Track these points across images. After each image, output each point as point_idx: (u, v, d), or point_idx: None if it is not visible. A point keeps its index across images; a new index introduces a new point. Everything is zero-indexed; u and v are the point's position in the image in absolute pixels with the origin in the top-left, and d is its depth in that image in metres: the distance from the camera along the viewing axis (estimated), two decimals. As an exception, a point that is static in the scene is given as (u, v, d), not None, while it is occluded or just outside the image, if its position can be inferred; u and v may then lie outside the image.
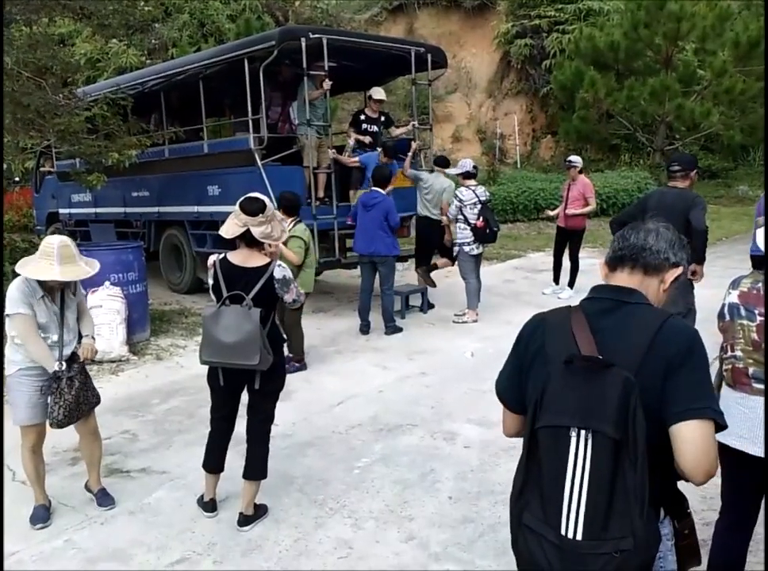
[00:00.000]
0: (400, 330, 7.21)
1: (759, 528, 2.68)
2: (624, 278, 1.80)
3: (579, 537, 1.57)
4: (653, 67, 15.99)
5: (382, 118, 8.56)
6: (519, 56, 19.02)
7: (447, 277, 8.73)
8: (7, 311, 3.43)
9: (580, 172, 8.59)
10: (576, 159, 8.73)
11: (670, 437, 1.61)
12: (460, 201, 7.33)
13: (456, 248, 7.46)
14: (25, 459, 3.63)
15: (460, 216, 7.33)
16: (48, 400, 3.50)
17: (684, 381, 1.60)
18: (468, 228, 7.33)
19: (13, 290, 3.46)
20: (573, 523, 1.58)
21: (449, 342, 6.76)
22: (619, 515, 1.55)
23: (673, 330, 1.66)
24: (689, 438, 1.58)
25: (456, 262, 7.64)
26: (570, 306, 1.82)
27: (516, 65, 19.56)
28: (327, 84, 7.54)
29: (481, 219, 7.37)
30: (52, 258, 3.43)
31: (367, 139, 8.31)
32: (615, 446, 1.55)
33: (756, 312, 2.46)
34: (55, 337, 3.54)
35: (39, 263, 3.44)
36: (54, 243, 3.46)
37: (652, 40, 15.35)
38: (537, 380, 1.73)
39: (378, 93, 8.43)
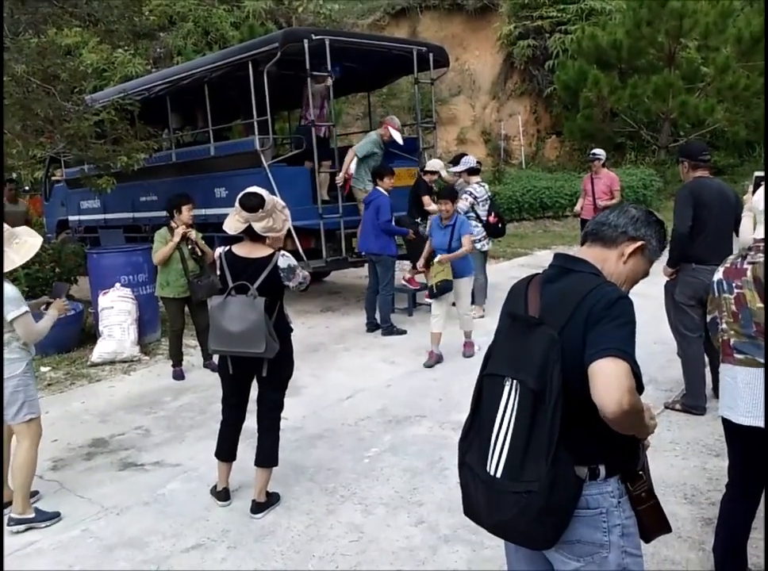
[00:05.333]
0: (402, 332, 6.97)
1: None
2: (584, 251, 1.96)
3: (499, 475, 1.76)
4: (656, 64, 15.98)
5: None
6: (522, 57, 19.05)
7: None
8: (15, 313, 3.33)
9: (603, 165, 8.59)
10: (600, 151, 8.69)
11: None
12: (475, 198, 7.30)
13: None
14: (33, 459, 3.50)
15: (471, 214, 7.31)
16: None
17: (598, 331, 1.71)
18: (480, 224, 7.36)
19: (11, 290, 3.37)
20: (495, 462, 1.76)
21: (456, 337, 6.80)
22: (533, 459, 1.70)
23: (600, 293, 1.77)
24: (597, 371, 1.67)
25: None
26: (535, 273, 1.97)
27: (520, 66, 19.58)
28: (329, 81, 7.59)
29: (493, 214, 7.42)
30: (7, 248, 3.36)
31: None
32: (535, 397, 1.71)
33: (734, 285, 2.56)
34: None
35: None
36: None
37: (655, 38, 15.34)
38: (495, 335, 1.96)
39: (445, 171, 8.05)
